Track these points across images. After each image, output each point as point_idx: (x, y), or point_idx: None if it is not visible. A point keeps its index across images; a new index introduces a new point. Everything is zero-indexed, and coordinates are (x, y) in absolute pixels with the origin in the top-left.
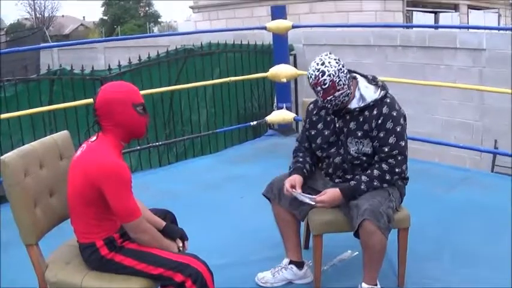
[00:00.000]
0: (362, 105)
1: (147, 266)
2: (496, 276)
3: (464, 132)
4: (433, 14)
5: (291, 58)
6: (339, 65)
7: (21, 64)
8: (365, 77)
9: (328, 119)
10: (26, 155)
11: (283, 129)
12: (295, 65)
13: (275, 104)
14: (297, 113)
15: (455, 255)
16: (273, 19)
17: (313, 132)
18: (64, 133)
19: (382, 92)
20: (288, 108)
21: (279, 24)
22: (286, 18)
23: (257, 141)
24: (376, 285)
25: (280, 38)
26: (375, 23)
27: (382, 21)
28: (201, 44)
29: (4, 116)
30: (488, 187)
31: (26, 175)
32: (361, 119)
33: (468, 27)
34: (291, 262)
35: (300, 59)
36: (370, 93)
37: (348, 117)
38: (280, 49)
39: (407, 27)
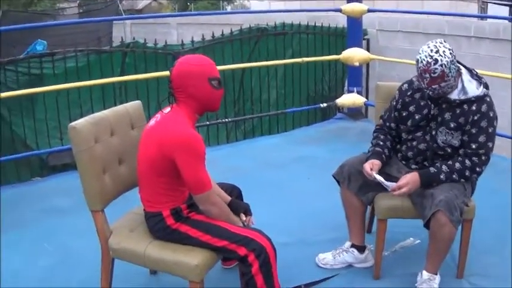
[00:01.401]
0: (463, 98)
1: (212, 237)
2: None
3: None
4: (508, 7)
5: (364, 43)
6: (452, 56)
7: (94, 36)
8: (469, 70)
9: (422, 103)
10: (97, 122)
11: (353, 113)
12: (368, 50)
13: (346, 87)
14: (367, 98)
15: None
16: (348, 2)
17: (404, 114)
18: (136, 103)
19: (485, 90)
20: (358, 93)
21: (354, 7)
22: (361, 2)
23: (325, 123)
24: (436, 274)
25: (354, 21)
26: (450, 11)
27: (456, 11)
28: (275, 23)
29: (76, 84)
30: None
31: (96, 142)
32: (458, 111)
33: None
34: (352, 245)
35: (373, 44)
36: (472, 88)
37: (444, 106)
38: (354, 32)
39: (482, 17)
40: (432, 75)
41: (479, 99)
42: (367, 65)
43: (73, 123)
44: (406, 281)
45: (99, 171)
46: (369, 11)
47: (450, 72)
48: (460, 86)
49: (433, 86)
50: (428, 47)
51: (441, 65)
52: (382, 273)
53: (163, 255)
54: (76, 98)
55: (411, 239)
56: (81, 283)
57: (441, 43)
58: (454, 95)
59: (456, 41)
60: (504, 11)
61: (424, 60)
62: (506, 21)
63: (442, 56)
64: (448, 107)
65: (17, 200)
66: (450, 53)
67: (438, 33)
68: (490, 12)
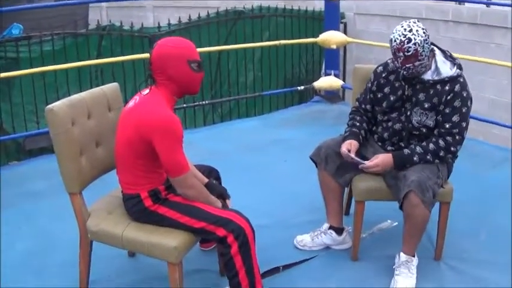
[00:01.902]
0: (436, 78)
1: (190, 219)
2: None
3: (510, 112)
4: None
5: (341, 26)
6: (425, 36)
7: (71, 19)
8: (443, 51)
9: (397, 84)
10: (74, 104)
11: (330, 96)
12: (345, 33)
13: (323, 70)
14: (344, 81)
15: (493, 234)
16: None
17: (379, 95)
18: (114, 85)
19: (458, 70)
20: (336, 76)
21: None
22: None
23: (302, 106)
24: (414, 256)
25: (332, 4)
26: None
27: None
28: (252, 6)
29: (52, 67)
30: None
31: (73, 124)
32: (431, 92)
33: None
34: (330, 227)
35: (350, 28)
36: (446, 68)
37: (418, 86)
38: (331, 15)
39: (460, 2)
40: (406, 53)
41: (453, 80)
42: (345, 48)
43: (50, 106)
44: (383, 263)
45: (77, 154)
46: None
47: (424, 51)
48: (433, 66)
49: (407, 65)
50: (402, 27)
51: (414, 44)
52: (360, 255)
53: (141, 237)
54: (52, 81)
55: (389, 221)
56: (60, 266)
57: (415, 23)
58: (428, 76)
59: (434, 24)
60: None
61: (397, 39)
62: (484, 6)
63: (415, 35)
64: (422, 88)
65: None
66: (423, 32)
67: (415, 16)
68: None
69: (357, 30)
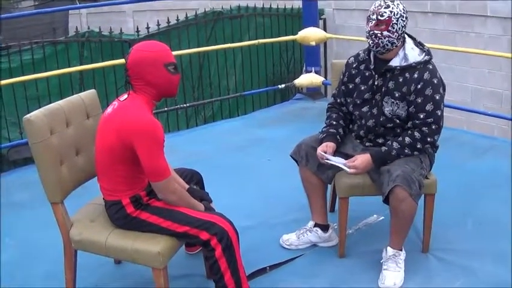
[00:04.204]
0: (404, 64)
1: (173, 223)
2: None
3: (493, 101)
4: None
5: (321, 22)
6: (404, 13)
7: (49, 27)
8: (413, 39)
9: (367, 74)
10: (51, 113)
11: (312, 93)
12: (324, 29)
13: (304, 68)
14: (325, 77)
15: (480, 224)
16: None
17: (350, 86)
18: (91, 92)
19: (427, 57)
20: (316, 72)
21: None
22: None
23: (285, 104)
24: (401, 250)
25: (310, 1)
26: None
27: None
28: (230, 7)
29: (32, 76)
30: None
31: (52, 133)
32: (400, 80)
33: None
34: (316, 225)
35: (330, 23)
36: (414, 54)
37: (388, 75)
38: (309, 12)
39: None
40: (379, 17)
41: (421, 66)
42: (325, 44)
43: (27, 116)
44: (371, 258)
45: (56, 163)
46: None
47: (396, 24)
48: (402, 53)
49: (375, 32)
50: None
51: (391, 11)
52: (347, 251)
53: (125, 244)
54: (34, 92)
55: (375, 215)
56: (45, 276)
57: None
58: (396, 62)
59: (413, 16)
60: None
61: (377, 3)
62: None
63: (394, 6)
64: (391, 76)
65: None
66: (403, 8)
67: None
68: None
69: (336, 25)
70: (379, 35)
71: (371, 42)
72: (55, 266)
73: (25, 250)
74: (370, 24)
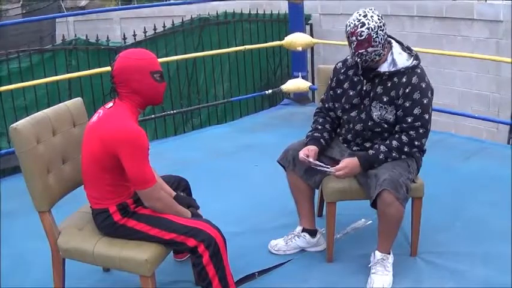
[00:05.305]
0: (392, 69)
1: (160, 231)
2: (507, 249)
3: (481, 104)
4: None
5: (308, 27)
6: (380, 22)
7: (36, 36)
8: (400, 43)
9: (356, 79)
10: (38, 122)
11: (299, 98)
12: (311, 35)
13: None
14: (313, 82)
15: (468, 226)
16: None
17: (338, 91)
18: (77, 100)
19: (415, 61)
20: (303, 77)
21: None
22: None
23: (272, 110)
24: (389, 253)
25: (295, 6)
26: None
27: None
28: (217, 13)
29: (20, 85)
30: (503, 159)
31: (38, 142)
32: (389, 85)
33: None
34: (304, 230)
35: (316, 28)
36: (402, 59)
37: (376, 81)
38: (295, 17)
39: None
40: (359, 38)
41: (409, 71)
42: (312, 49)
43: (14, 125)
44: (359, 262)
45: (43, 171)
46: None
47: (377, 37)
48: (390, 59)
49: (360, 51)
50: (357, 13)
51: (368, 28)
52: (335, 255)
53: (112, 252)
54: (22, 102)
55: (363, 220)
56: (34, 284)
57: (370, 9)
58: (384, 68)
59: (400, 21)
60: None
61: (351, 23)
62: (450, 0)
63: (369, 20)
64: (379, 81)
65: None
66: (378, 19)
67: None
68: None
69: (323, 30)
70: (364, 53)
71: (359, 60)
72: (44, 275)
73: (14, 259)
74: (352, 46)
